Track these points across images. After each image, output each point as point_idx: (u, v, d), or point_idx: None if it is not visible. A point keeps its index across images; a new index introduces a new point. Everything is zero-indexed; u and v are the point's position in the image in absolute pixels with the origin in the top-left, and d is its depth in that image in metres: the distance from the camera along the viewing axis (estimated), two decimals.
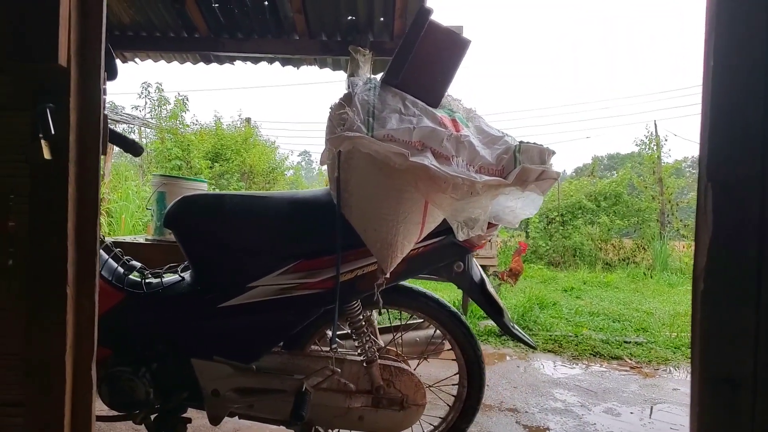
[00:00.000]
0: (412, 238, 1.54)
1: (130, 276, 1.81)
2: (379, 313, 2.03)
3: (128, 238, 5.16)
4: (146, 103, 12.50)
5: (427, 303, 1.83)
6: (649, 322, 5.03)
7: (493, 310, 1.77)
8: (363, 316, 1.76)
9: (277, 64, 3.88)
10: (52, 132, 0.96)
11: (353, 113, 1.45)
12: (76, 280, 1.01)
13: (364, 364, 1.75)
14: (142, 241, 4.13)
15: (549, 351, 3.97)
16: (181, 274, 1.79)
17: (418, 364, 1.94)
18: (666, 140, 12.67)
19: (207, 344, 1.73)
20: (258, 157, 13.13)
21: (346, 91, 1.57)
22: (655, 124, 12.50)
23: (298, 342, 1.81)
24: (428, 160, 1.40)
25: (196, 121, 13.28)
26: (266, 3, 3.22)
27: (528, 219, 12.62)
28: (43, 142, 0.97)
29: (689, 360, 3.50)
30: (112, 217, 7.81)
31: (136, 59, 3.98)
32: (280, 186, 13.85)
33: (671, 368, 3.68)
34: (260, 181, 13.35)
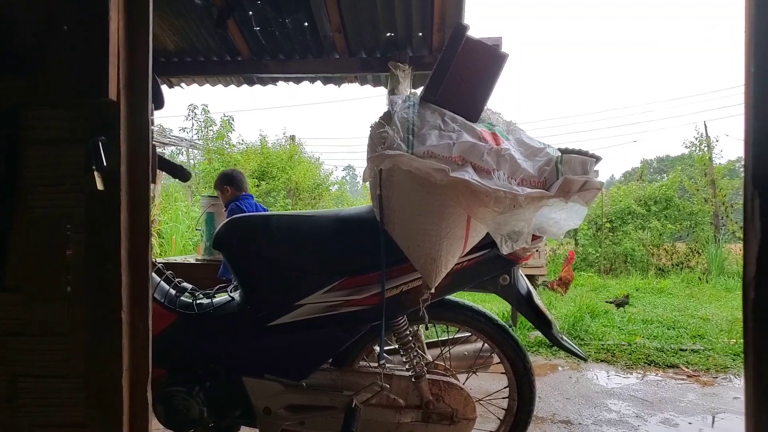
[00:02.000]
0: (456, 253, 1.54)
1: (182, 297, 1.87)
2: (426, 328, 2.03)
3: (179, 259, 5.34)
4: (193, 125, 12.91)
5: (474, 317, 1.82)
6: (706, 328, 4.84)
7: (541, 322, 1.75)
8: (410, 331, 1.76)
9: (318, 82, 3.95)
10: (104, 164, 1.02)
11: (393, 131, 1.47)
12: (130, 305, 1.06)
13: (413, 379, 1.75)
14: (192, 261, 4.26)
15: (602, 361, 3.87)
16: (231, 294, 1.84)
17: (467, 378, 1.93)
18: (717, 141, 12.22)
19: (257, 362, 1.77)
20: (303, 174, 13.34)
21: (385, 110, 1.59)
22: (705, 125, 12.06)
23: (347, 358, 1.83)
24: (469, 175, 1.40)
25: (242, 140, 13.62)
26: (306, 24, 3.30)
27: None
28: (96, 173, 1.02)
29: (744, 374, 3.36)
30: (163, 238, 8.07)
31: (182, 84, 4.13)
32: (325, 201, 14.01)
33: (731, 376, 3.52)
34: (306, 197, 13.55)
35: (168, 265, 4.11)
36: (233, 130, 12.97)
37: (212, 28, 3.35)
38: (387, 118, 1.53)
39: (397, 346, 1.80)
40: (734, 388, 3.25)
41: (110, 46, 1.04)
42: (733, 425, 2.63)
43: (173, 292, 1.90)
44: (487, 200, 1.41)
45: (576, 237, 12.42)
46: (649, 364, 3.77)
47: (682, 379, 3.43)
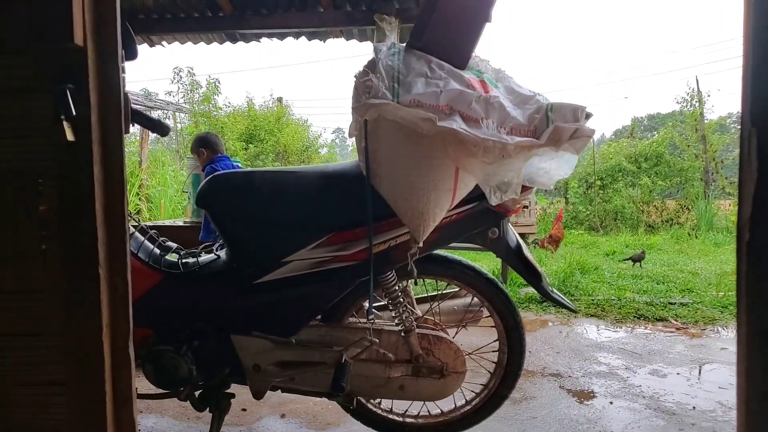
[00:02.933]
0: (444, 206, 1.51)
1: (167, 257, 1.84)
2: (415, 283, 2.01)
3: (167, 222, 5.29)
4: (179, 88, 12.60)
5: (463, 271, 1.80)
6: (695, 282, 4.89)
7: (531, 275, 1.73)
8: (398, 286, 1.74)
9: (303, 39, 3.84)
10: (73, 113, 0.96)
11: (378, 80, 1.41)
12: (107, 260, 1.02)
13: (402, 334, 1.74)
14: (180, 223, 4.21)
15: (592, 315, 3.90)
16: (217, 253, 1.81)
17: (457, 332, 1.92)
18: (709, 96, 12.13)
19: (245, 320, 1.75)
20: (291, 137, 13.19)
21: (370, 58, 1.53)
22: (697, 80, 11.94)
23: (336, 314, 1.81)
24: (457, 124, 1.35)
25: (229, 103, 13.38)
26: None
27: (567, 184, 12.36)
28: (65, 123, 0.97)
29: (736, 317, 3.41)
30: (152, 202, 7.99)
31: (164, 42, 4.00)
32: (314, 164, 13.91)
33: (719, 327, 3.57)
34: (294, 160, 13.42)
35: (156, 229, 4.07)
36: (220, 92, 12.73)
37: None
38: (371, 65, 1.47)
39: (386, 302, 1.78)
40: (722, 339, 3.30)
41: None
42: (720, 375, 2.67)
43: (158, 251, 1.87)
44: (475, 150, 1.37)
45: (566, 195, 12.46)
46: (638, 318, 3.81)
47: (671, 332, 3.47)
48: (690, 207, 11.02)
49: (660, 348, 3.11)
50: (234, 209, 1.72)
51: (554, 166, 1.50)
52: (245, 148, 12.37)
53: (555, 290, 1.80)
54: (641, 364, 2.82)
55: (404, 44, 1.54)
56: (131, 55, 1.46)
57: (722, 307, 3.98)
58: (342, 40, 3.88)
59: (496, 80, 1.55)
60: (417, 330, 1.76)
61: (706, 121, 11.82)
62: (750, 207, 0.79)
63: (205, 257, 1.83)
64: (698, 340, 3.29)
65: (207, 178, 1.76)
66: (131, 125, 1.65)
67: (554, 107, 1.44)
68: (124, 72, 1.06)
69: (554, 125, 1.39)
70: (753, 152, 0.80)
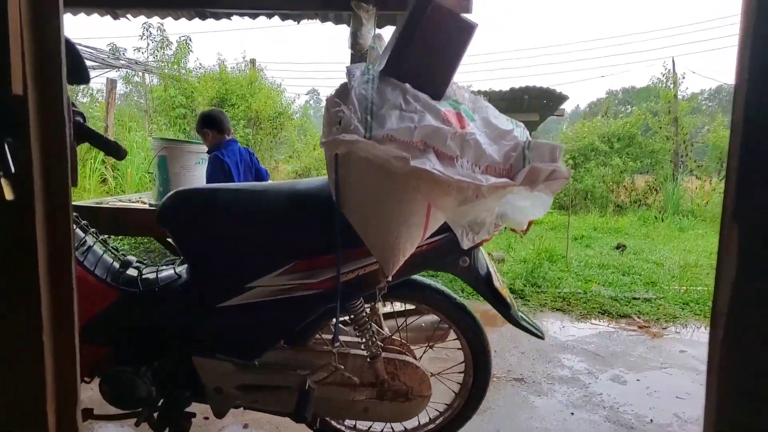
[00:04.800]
0: (414, 241, 1.47)
1: (126, 272, 1.76)
2: (384, 305, 1.98)
3: (133, 199, 5.13)
4: (148, 44, 12.08)
5: (431, 295, 1.78)
6: (659, 275, 4.99)
7: (500, 303, 1.72)
8: (366, 312, 1.71)
9: (276, 18, 3.68)
10: (12, 170, 0.88)
11: (350, 111, 1.34)
12: (53, 328, 0.95)
13: (369, 360, 1.72)
14: (146, 206, 4.09)
15: (557, 310, 3.96)
16: (177, 271, 1.74)
17: (424, 352, 1.91)
18: (684, 78, 12.23)
19: (207, 342, 1.70)
20: (264, 102, 12.85)
21: (342, 83, 1.46)
22: (673, 61, 12.02)
23: (301, 336, 1.77)
24: (430, 164, 1.30)
25: (200, 65, 12.92)
26: None
27: None
28: (4, 180, 0.89)
29: (697, 317, 3.46)
30: (118, 170, 7.75)
31: (128, 15, 3.79)
32: (288, 131, 13.63)
33: (679, 326, 3.66)
34: (267, 126, 13.12)
35: (120, 211, 3.95)
36: (191, 52, 12.27)
37: None
38: (343, 94, 1.40)
39: (352, 327, 1.75)
40: (681, 340, 3.39)
41: (10, 28, 0.87)
42: (677, 382, 2.74)
43: (116, 265, 1.78)
44: (449, 190, 1.32)
45: None
46: (602, 314, 3.88)
47: (633, 331, 3.55)
48: (658, 188, 11.22)
49: (622, 349, 3.18)
50: (196, 230, 1.65)
51: (528, 205, 1.46)
52: None
53: (523, 317, 1.79)
54: (603, 369, 2.88)
55: (379, 69, 1.47)
56: (82, 79, 1.35)
57: (683, 304, 4.08)
58: (317, 21, 3.73)
59: (473, 110, 1.49)
60: (383, 354, 1.74)
61: (679, 99, 11.92)
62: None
63: (165, 274, 1.76)
64: (659, 341, 3.36)
65: (169, 194, 1.68)
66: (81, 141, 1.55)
67: (531, 145, 1.39)
68: (71, 119, 0.97)
69: (530, 166, 1.35)
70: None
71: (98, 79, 10.82)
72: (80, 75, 1.39)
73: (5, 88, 0.88)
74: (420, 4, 1.36)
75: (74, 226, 1.74)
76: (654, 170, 11.53)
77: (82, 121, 1.54)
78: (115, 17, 3.75)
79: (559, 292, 4.28)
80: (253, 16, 3.64)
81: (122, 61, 11.68)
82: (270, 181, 2.10)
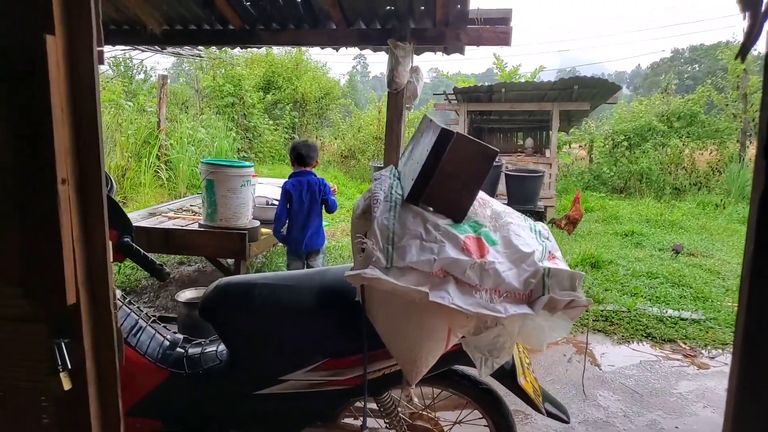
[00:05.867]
0: (437, 354, 1.52)
1: (174, 352, 1.90)
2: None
3: (185, 206, 5.34)
4: None
5: (459, 381, 1.83)
6: (712, 286, 4.83)
7: (526, 396, 1.76)
8: (394, 402, 1.79)
9: (316, 48, 3.71)
10: (69, 366, 1.00)
11: (372, 243, 1.39)
12: None
13: None
14: (195, 227, 4.27)
15: (599, 331, 3.93)
16: (219, 356, 1.86)
17: (451, 429, 1.98)
18: (756, 51, 11.41)
19: (244, 422, 1.83)
20: (309, 84, 12.94)
21: (366, 200, 1.51)
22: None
23: (331, 416, 1.87)
24: (449, 297, 1.34)
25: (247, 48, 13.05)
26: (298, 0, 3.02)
27: (593, 142, 12.02)
28: (62, 374, 1.01)
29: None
30: (172, 169, 8.03)
31: (178, 48, 3.91)
32: (332, 113, 13.71)
33: (728, 354, 3.57)
34: (313, 108, 13.25)
35: (170, 232, 4.14)
36: None
37: (201, 3, 3.10)
38: (365, 215, 1.46)
39: (380, 412, 1.83)
40: (728, 375, 3.31)
41: (64, 248, 0.97)
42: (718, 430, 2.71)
43: (167, 343, 1.93)
44: (468, 321, 1.37)
45: (591, 154, 12.16)
46: (645, 337, 3.82)
47: (677, 360, 3.49)
48: (722, 170, 10.68)
49: (663, 386, 3.14)
50: (233, 324, 1.76)
51: (548, 327, 1.48)
52: (263, 98, 12.22)
53: (549, 402, 1.83)
54: (640, 411, 2.87)
55: (402, 198, 1.50)
56: (129, 231, 1.47)
57: (735, 326, 3.95)
58: (356, 48, 3.73)
59: (494, 230, 1.51)
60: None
61: (749, 78, 11.19)
62: None
63: (209, 355, 1.89)
64: (704, 374, 3.30)
65: (211, 288, 1.79)
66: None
67: (552, 273, 1.41)
68: (118, 322, 1.07)
69: (550, 296, 1.37)
70: None
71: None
72: (126, 227, 1.52)
73: (61, 299, 0.99)
74: (444, 135, 1.38)
75: (128, 310, 1.90)
76: (718, 151, 10.95)
77: (130, 241, 1.66)
78: (161, 50, 3.88)
79: (602, 310, 4.23)
80: (294, 45, 3.68)
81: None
82: (304, 271, 2.19)
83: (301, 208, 3.71)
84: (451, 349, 1.65)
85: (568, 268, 1.44)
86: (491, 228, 1.51)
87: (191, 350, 1.94)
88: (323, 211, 3.85)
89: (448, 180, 1.43)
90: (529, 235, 1.53)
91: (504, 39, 3.01)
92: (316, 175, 3.83)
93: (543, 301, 1.37)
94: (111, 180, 1.73)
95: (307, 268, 3.83)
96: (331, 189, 3.98)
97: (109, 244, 1.04)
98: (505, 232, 1.50)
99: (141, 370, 1.83)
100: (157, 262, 1.71)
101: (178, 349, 1.93)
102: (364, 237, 1.43)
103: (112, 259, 1.07)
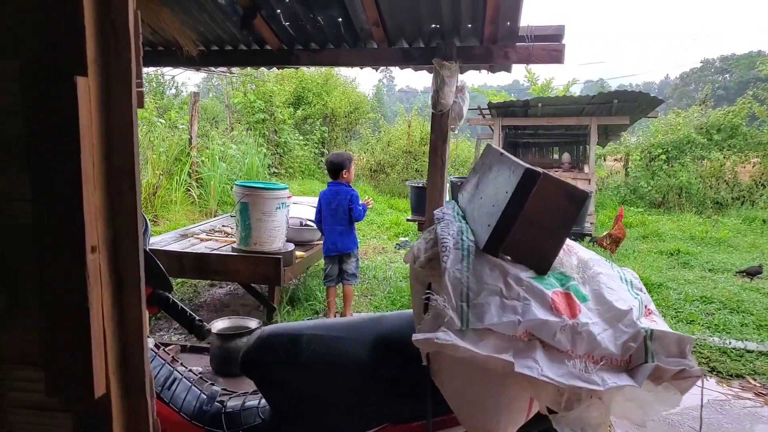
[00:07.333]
0: (517, 425, 1.32)
1: (212, 408, 1.73)
2: None
3: (217, 226, 5.22)
4: None
5: None
6: None
7: None
8: None
9: (356, 68, 3.56)
10: None
11: (444, 300, 1.20)
12: None
13: None
14: (228, 251, 4.14)
15: None
16: (261, 414, 1.68)
17: None
18: None
19: None
20: (339, 99, 12.88)
21: (430, 243, 1.32)
22: None
23: None
24: (538, 369, 1.14)
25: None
26: (340, 19, 2.87)
27: (628, 155, 11.66)
28: None
29: None
30: (203, 187, 7.98)
31: (210, 68, 3.80)
32: (361, 127, 13.64)
33: None
34: (342, 122, 13.17)
35: (203, 257, 4.02)
36: None
37: (238, 27, 2.98)
38: (431, 263, 1.28)
39: None
40: None
41: (93, 334, 0.81)
42: None
43: (203, 397, 1.76)
44: (559, 396, 1.16)
45: (627, 168, 11.78)
46: (711, 371, 3.53)
47: (749, 399, 3.20)
48: (766, 183, 10.23)
49: (737, 430, 2.86)
50: (278, 381, 1.58)
51: (652, 399, 1.26)
52: (293, 113, 12.18)
53: None
54: None
55: (465, 204, 1.31)
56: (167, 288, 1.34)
57: None
58: (396, 67, 3.57)
59: (584, 283, 1.30)
60: None
61: None
62: None
63: (249, 411, 1.71)
64: None
65: (254, 340, 1.61)
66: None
67: (655, 336, 1.19)
68: (154, 413, 0.90)
69: (655, 365, 1.16)
70: None
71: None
72: (163, 284, 1.39)
73: (89, 390, 0.82)
74: (529, 176, 1.19)
75: (161, 360, 1.74)
76: (762, 163, 10.49)
77: (168, 294, 1.52)
78: (198, 70, 3.77)
79: None
80: (333, 65, 3.54)
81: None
82: (355, 319, 2.01)
83: (328, 215, 4.08)
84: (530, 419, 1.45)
85: (669, 329, 1.22)
86: (580, 280, 1.30)
87: (230, 404, 1.76)
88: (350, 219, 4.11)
89: (531, 226, 1.24)
90: (621, 287, 1.33)
91: (556, 57, 2.81)
92: (348, 187, 4.14)
93: (647, 371, 1.16)
94: (146, 221, 1.58)
95: (340, 271, 4.16)
96: (366, 203, 4.31)
97: (146, 318, 0.87)
98: (596, 285, 1.30)
99: (176, 429, 1.67)
100: (197, 318, 1.54)
101: (216, 404, 1.76)
102: (428, 289, 1.23)
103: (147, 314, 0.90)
